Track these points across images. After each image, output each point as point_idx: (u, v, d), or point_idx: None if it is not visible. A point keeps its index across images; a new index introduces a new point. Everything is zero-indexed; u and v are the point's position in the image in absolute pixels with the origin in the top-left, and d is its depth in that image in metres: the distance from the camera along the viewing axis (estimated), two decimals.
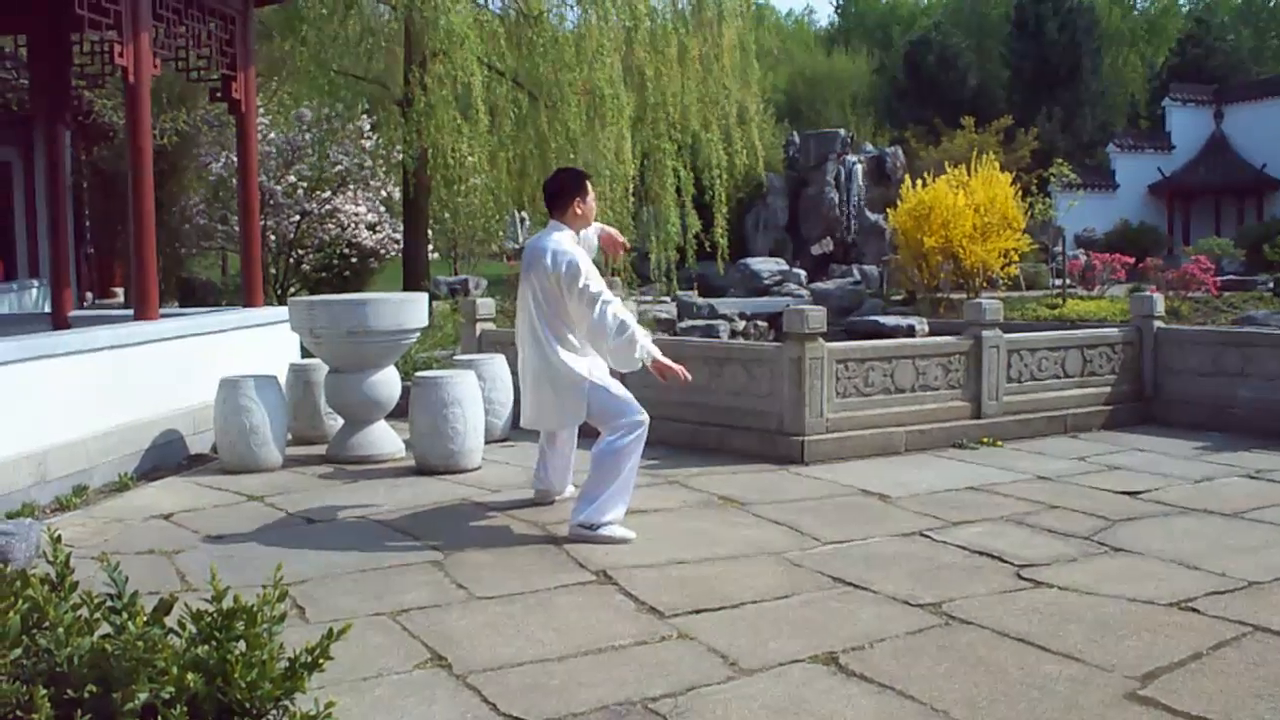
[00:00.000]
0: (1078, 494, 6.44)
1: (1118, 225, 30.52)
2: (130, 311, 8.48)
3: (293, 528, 5.85)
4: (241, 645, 2.50)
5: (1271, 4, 51.16)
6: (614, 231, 6.19)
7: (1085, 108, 39.98)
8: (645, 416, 5.61)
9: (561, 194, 5.77)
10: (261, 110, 16.64)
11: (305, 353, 9.15)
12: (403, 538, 5.58)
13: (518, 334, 5.89)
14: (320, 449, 8.00)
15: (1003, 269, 17.92)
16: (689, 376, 5.61)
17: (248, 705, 2.41)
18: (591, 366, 5.66)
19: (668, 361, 5.56)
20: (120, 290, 18.65)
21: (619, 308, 5.52)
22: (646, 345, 5.54)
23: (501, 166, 14.90)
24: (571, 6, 15.90)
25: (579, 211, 5.76)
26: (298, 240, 18.89)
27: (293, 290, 19.35)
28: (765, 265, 23.61)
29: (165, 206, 16.04)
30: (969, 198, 17.71)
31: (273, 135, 18.17)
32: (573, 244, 5.68)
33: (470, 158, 14.19)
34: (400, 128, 15.25)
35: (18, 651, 2.43)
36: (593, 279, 5.51)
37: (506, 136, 14.88)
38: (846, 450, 7.52)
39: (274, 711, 2.46)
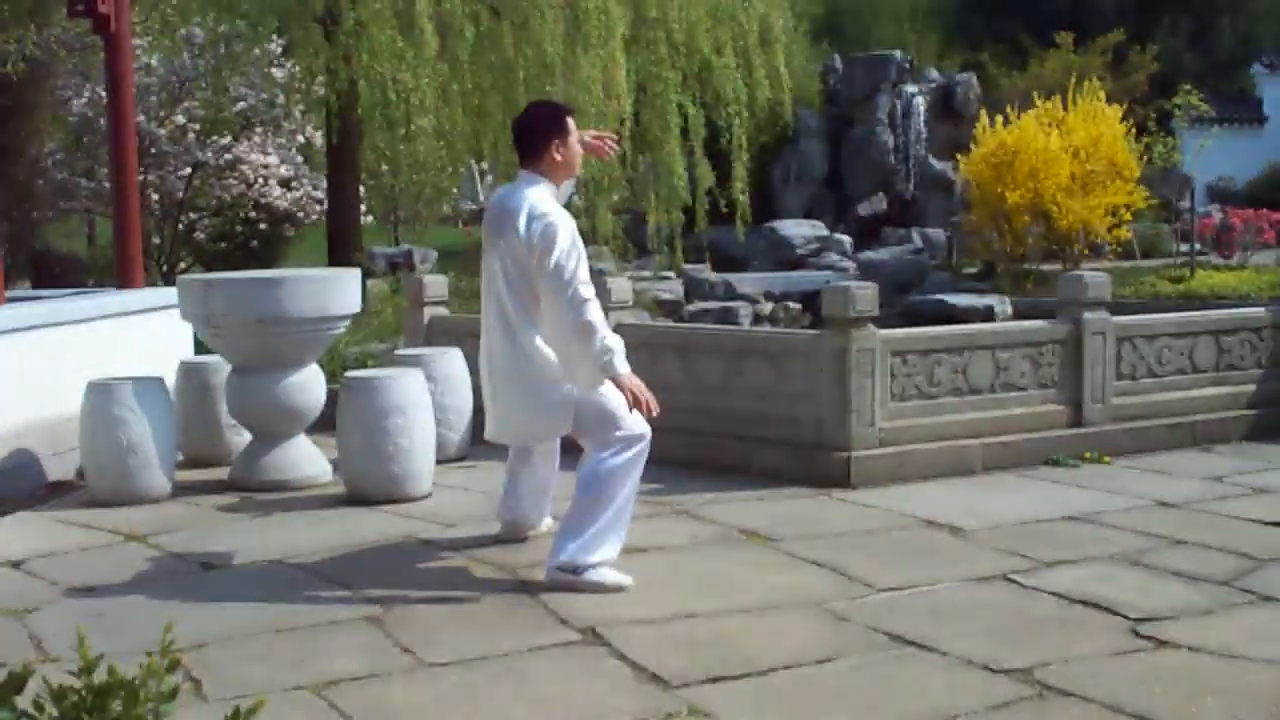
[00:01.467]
0: (1212, 525, 6.45)
1: (1265, 171, 30.43)
2: None
3: (185, 576, 5.84)
4: None
5: None
6: (591, 135, 6.09)
7: (1222, 17, 39.86)
8: (646, 430, 5.60)
9: (534, 134, 5.73)
10: (139, 29, 16.61)
11: (200, 347, 9.15)
12: (330, 587, 5.58)
13: (483, 320, 5.88)
14: (221, 472, 8.00)
15: (1110, 231, 17.93)
16: (656, 409, 5.47)
17: None
18: None
19: (636, 384, 5.43)
20: None
21: (593, 307, 5.44)
22: (614, 361, 5.41)
23: (455, 103, 14.84)
24: None
25: (558, 157, 5.71)
26: (189, 200, 18.88)
27: (183, 266, 19.33)
28: (798, 230, 23.60)
29: (10, 156, 16.04)
30: (1065, 139, 17.71)
31: (154, 63, 18.16)
32: (552, 203, 5.65)
33: (415, 92, 14.15)
34: (323, 52, 15.21)
35: None
36: (571, 256, 5.47)
37: (462, 64, 14.83)
38: (906, 469, 7.52)
39: None
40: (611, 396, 5.55)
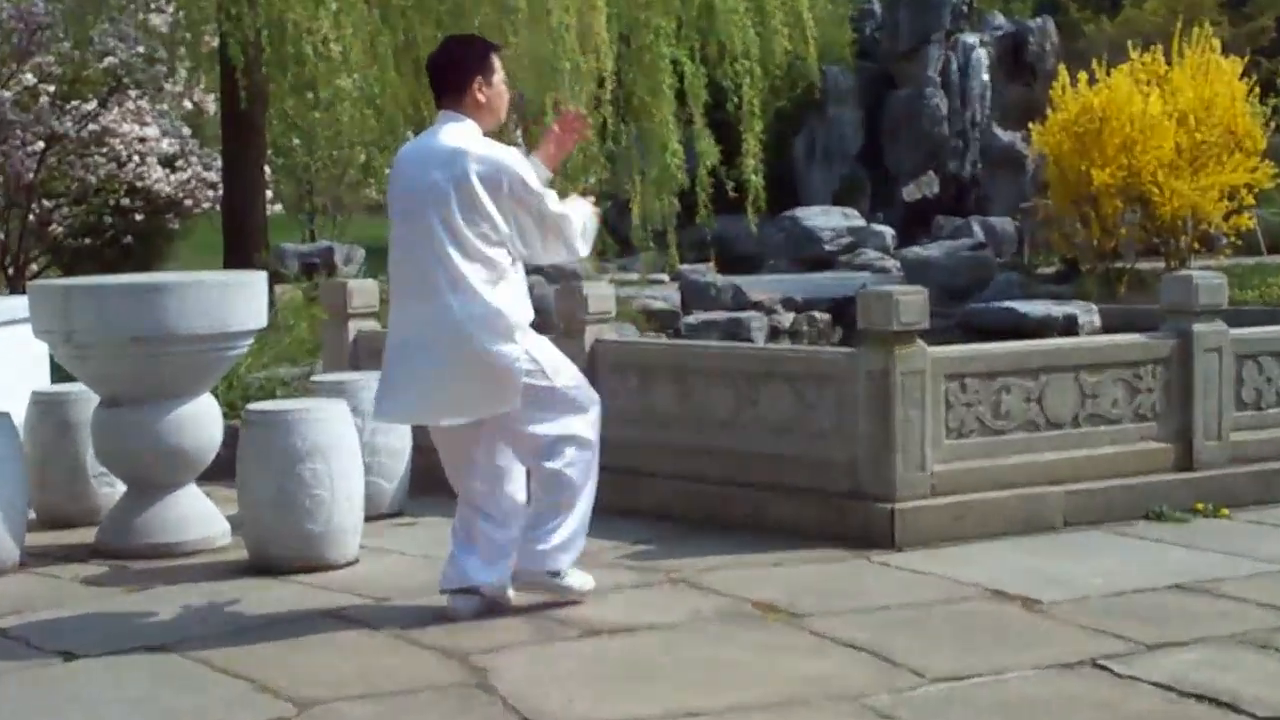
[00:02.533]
0: None
1: None
2: None
3: (40, 669, 5.82)
4: None
5: None
6: (556, 122, 6.65)
7: None
8: (594, 405, 6.29)
9: (454, 70, 6.21)
10: None
11: (59, 374, 9.12)
12: (228, 681, 5.56)
13: (396, 284, 6.24)
14: (86, 534, 7.98)
15: (1228, 219, 18.00)
16: (589, 129, 6.48)
17: None
18: (529, 332, 6.17)
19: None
20: None
21: (566, 212, 6.22)
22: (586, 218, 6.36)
23: (388, 59, 14.83)
24: None
25: (481, 98, 6.18)
26: (42, 184, 18.85)
27: (35, 269, 19.29)
28: (826, 220, 23.70)
29: None
30: (1169, 101, 17.77)
31: None
32: (487, 140, 6.14)
33: (335, 44, 14.16)
34: None
35: None
36: (533, 181, 6.10)
37: (396, 9, 14.86)
38: (965, 525, 7.53)
39: None
40: (566, 374, 6.19)
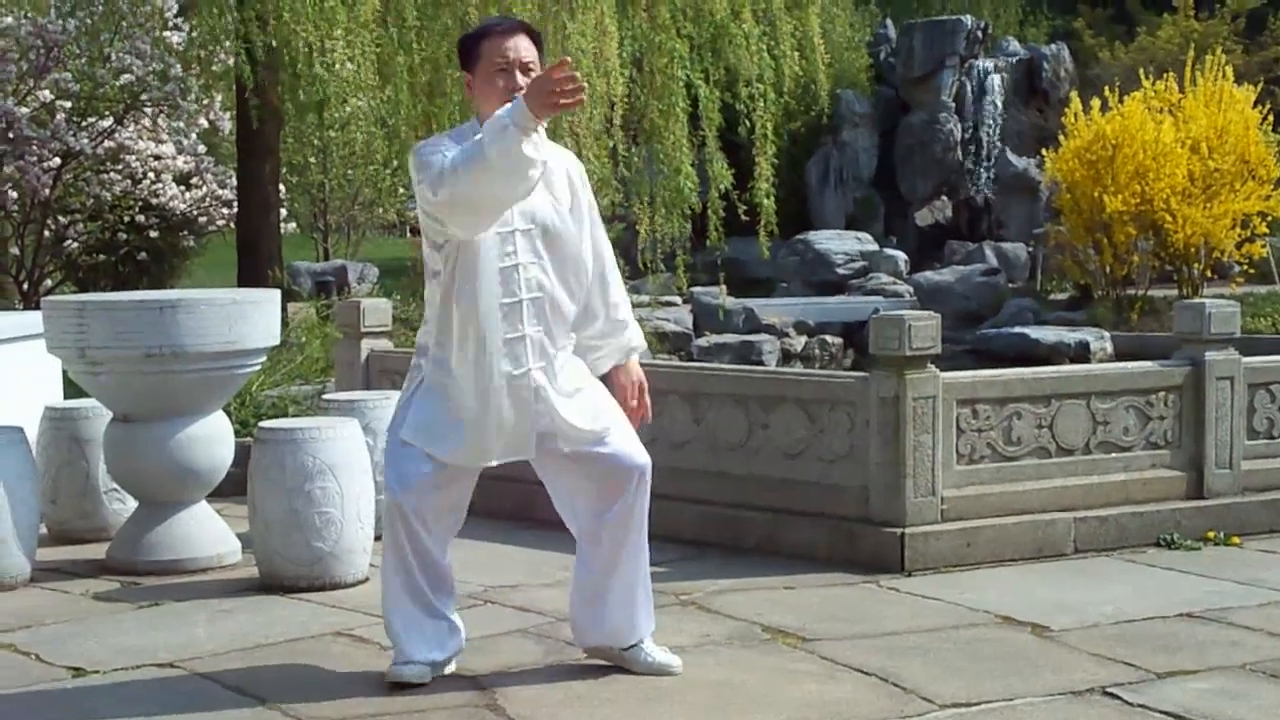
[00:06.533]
0: None
1: None
2: None
3: (49, 686, 5.82)
4: None
5: None
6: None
7: None
8: (405, 500, 5.57)
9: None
10: None
11: (72, 389, 9.13)
12: (237, 700, 5.57)
13: None
14: (98, 550, 7.98)
15: (1240, 247, 17.98)
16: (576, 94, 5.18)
17: None
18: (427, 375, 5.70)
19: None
20: None
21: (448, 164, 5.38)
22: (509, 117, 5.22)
23: (401, 79, 14.88)
24: None
25: (472, 92, 5.74)
26: (58, 200, 18.86)
27: (50, 284, 19.31)
28: (839, 244, 23.69)
29: None
30: (1182, 129, 17.77)
31: (10, 21, 18.14)
32: (437, 139, 5.77)
33: (349, 64, 14.19)
34: (230, 11, 15.28)
35: None
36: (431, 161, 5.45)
37: (409, 30, 14.88)
38: (975, 551, 7.52)
39: None
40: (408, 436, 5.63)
